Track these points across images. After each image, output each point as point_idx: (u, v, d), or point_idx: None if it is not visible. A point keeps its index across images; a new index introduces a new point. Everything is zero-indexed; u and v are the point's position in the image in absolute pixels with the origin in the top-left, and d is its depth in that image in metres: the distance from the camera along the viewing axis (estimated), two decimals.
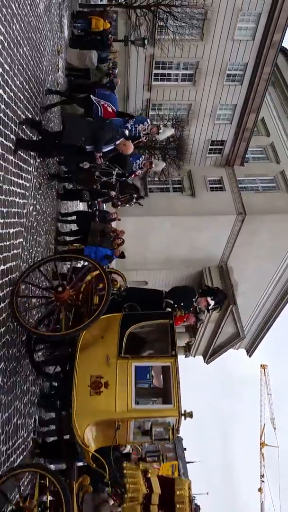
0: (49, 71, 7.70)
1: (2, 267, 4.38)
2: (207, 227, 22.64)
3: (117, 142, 5.91)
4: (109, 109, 7.14)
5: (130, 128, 6.97)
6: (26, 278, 4.78)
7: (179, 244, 23.16)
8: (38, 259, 5.75)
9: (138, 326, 5.02)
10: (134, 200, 8.19)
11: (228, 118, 23.08)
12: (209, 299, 5.76)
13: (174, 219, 22.40)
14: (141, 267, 23.89)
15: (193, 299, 5.77)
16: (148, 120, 7.41)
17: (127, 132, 6.71)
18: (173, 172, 21.97)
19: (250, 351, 32.23)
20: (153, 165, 8.05)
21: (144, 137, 7.32)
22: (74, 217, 9.52)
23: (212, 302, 5.80)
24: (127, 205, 8.97)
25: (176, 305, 5.61)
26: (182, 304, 5.64)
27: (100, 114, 6.98)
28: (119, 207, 8.76)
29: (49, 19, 7.80)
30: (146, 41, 17.99)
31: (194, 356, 29.88)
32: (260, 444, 53.15)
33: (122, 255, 8.73)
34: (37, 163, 6.31)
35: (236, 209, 22.84)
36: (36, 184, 6.33)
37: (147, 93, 21.83)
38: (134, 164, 7.79)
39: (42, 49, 6.89)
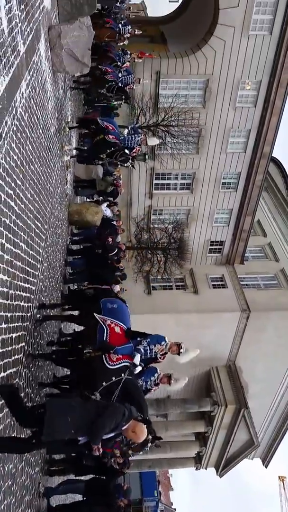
0: (58, 184, 8.37)
1: (2, 374, 4.28)
2: (212, 325, 22.40)
3: (124, 428, 4.34)
4: (117, 329, 6.05)
5: (143, 351, 5.96)
6: None
7: (185, 342, 22.51)
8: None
9: None
10: (149, 444, 5.84)
11: (225, 221, 24.33)
12: None
13: (178, 317, 22.28)
14: None
15: None
16: (166, 339, 6.37)
17: (138, 358, 5.73)
18: (175, 271, 22.49)
19: (266, 460, 29.57)
20: (172, 380, 6.51)
21: (162, 358, 6.27)
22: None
23: None
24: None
25: None
26: None
27: (105, 338, 5.90)
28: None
29: (59, 139, 8.70)
30: (147, 156, 19.80)
31: (205, 468, 27.35)
32: None
33: None
34: (43, 267, 6.53)
35: (240, 306, 22.84)
36: (42, 287, 6.47)
37: (149, 200, 23.33)
38: (148, 382, 6.39)
39: (52, 165, 7.58)
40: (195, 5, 23.67)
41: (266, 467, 29.83)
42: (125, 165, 11.53)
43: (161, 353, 6.21)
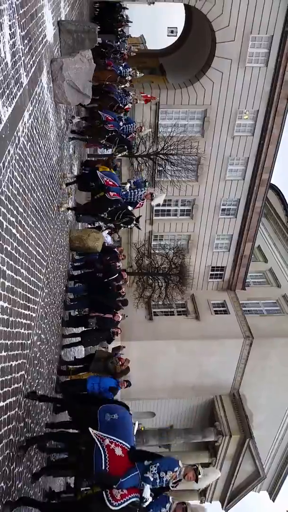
0: (60, 211, 8.45)
1: (2, 403, 4.19)
2: (215, 351, 22.13)
3: None
4: (118, 451, 4.90)
5: (152, 479, 4.84)
6: None
7: (187, 370, 22.36)
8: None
9: None
10: None
11: (226, 247, 24.42)
12: None
13: (180, 343, 22.04)
14: (148, 396, 22.68)
15: None
16: (180, 463, 5.17)
17: (147, 490, 4.70)
18: (177, 296, 22.39)
19: (273, 493, 28.53)
20: (185, 506, 5.27)
21: (175, 485, 5.16)
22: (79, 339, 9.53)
23: None
24: None
25: None
26: None
27: (103, 466, 4.75)
28: None
29: (61, 167, 8.85)
30: (147, 184, 19.99)
31: (210, 502, 26.36)
32: None
33: (128, 384, 8.38)
34: (44, 294, 6.50)
35: (242, 332, 22.61)
36: (42, 313, 6.43)
37: (149, 226, 23.51)
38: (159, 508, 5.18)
39: (54, 193, 7.67)
40: (193, 38, 24.58)
41: (273, 500, 28.76)
42: (129, 226, 10.87)
43: (174, 481, 5.06)
